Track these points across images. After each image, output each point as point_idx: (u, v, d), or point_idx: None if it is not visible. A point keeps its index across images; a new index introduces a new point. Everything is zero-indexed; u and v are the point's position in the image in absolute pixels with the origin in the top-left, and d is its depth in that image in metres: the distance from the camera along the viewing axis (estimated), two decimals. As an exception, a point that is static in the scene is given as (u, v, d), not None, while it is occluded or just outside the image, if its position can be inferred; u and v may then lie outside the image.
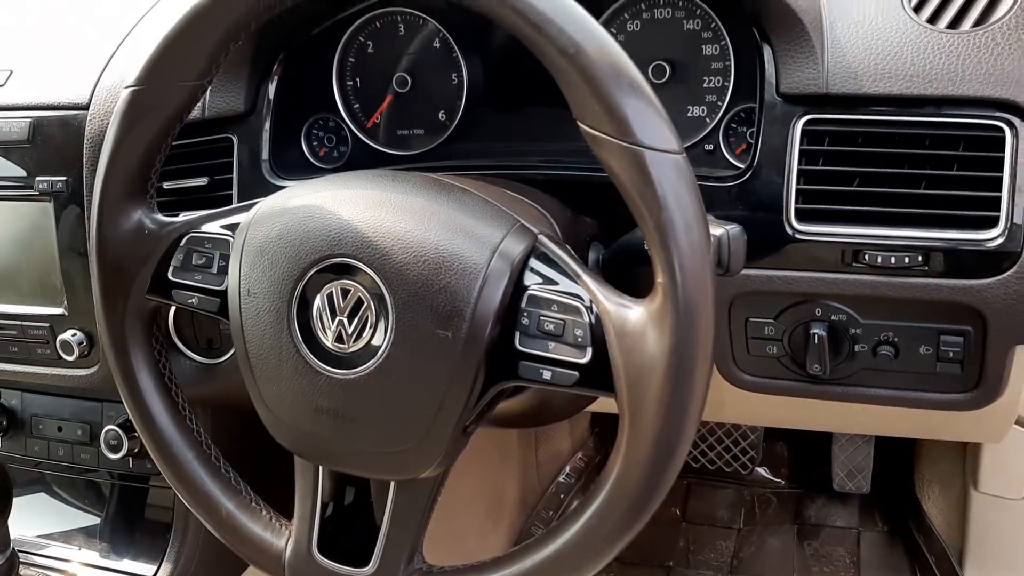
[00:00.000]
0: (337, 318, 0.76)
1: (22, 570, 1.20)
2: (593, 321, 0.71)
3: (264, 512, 0.88)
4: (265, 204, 0.82)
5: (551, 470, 2.07)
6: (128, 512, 1.31)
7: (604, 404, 1.08)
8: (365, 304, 0.75)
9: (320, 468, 0.84)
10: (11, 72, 1.21)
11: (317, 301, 0.77)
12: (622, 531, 0.72)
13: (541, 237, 0.76)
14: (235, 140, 1.10)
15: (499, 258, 0.73)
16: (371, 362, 0.75)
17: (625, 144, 0.66)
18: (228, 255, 0.83)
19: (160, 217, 0.87)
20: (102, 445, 1.21)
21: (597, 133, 0.67)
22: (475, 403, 0.75)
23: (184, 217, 0.87)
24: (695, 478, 2.06)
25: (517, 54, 1.12)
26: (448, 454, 0.78)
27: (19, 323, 1.20)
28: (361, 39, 1.16)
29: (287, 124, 1.16)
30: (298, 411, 0.79)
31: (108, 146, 0.84)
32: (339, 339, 0.76)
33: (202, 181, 1.11)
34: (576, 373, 0.72)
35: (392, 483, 0.81)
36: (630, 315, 0.69)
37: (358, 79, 1.17)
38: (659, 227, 0.66)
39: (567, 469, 2.09)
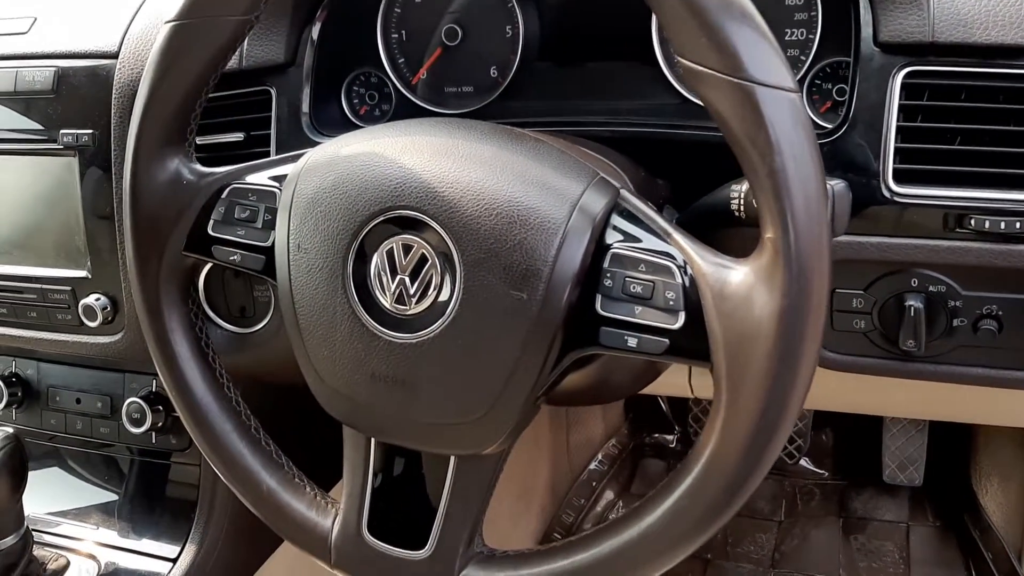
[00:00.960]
0: (398, 277, 0.70)
1: (36, 549, 1.15)
2: (687, 283, 0.65)
3: (308, 489, 0.83)
4: (317, 152, 0.77)
5: (583, 456, 2.01)
6: (149, 490, 1.26)
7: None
8: (429, 262, 0.69)
9: (372, 441, 0.78)
10: (35, 19, 1.15)
11: (376, 258, 0.71)
12: (714, 515, 0.66)
13: (624, 192, 0.70)
14: (274, 93, 1.04)
15: (579, 213, 0.67)
16: (435, 325, 0.69)
17: (735, 80, 0.59)
18: (275, 208, 0.77)
19: (199, 167, 0.82)
20: (123, 418, 1.16)
21: (701, 68, 0.61)
22: (550, 372, 0.69)
23: (226, 168, 0.82)
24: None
25: (577, 3, 1.06)
26: (516, 427, 0.72)
27: (38, 286, 1.14)
28: (408, -12, 1.10)
29: (328, 78, 1.09)
30: (352, 378, 0.73)
31: (145, 87, 0.78)
32: (400, 300, 0.71)
33: (237, 136, 1.05)
34: (666, 340, 0.66)
35: (452, 458, 0.75)
36: (731, 276, 0.63)
37: (404, 31, 1.11)
38: (772, 174, 0.60)
39: (599, 456, 2.04)
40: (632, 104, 1.04)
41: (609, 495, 2.02)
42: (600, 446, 2.05)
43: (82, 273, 1.13)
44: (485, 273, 0.67)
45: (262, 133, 1.05)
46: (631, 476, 2.06)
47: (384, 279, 0.71)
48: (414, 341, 0.70)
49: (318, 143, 0.97)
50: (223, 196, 0.80)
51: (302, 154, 0.78)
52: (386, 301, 0.71)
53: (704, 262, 0.65)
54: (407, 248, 0.70)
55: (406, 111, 1.12)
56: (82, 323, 1.13)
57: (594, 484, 2.01)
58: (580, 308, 0.68)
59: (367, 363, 0.72)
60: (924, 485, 1.82)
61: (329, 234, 0.72)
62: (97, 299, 1.12)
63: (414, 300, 0.70)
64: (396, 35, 1.11)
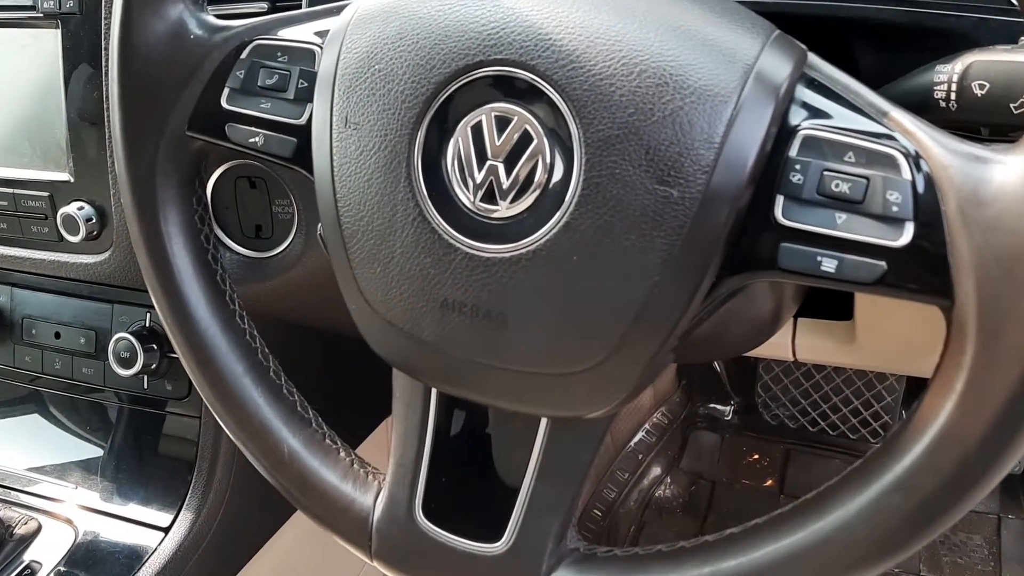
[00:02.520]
0: (488, 163, 0.51)
1: (2, 509, 0.97)
2: (919, 182, 0.45)
3: (343, 454, 0.64)
4: None
5: (628, 425, 1.82)
6: (139, 445, 1.09)
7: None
8: (535, 142, 0.50)
9: (434, 394, 0.59)
10: None
11: (457, 136, 0.52)
12: (940, 514, 0.47)
13: (812, 56, 0.50)
14: None
15: (756, 80, 0.48)
16: (539, 233, 0.51)
17: None
18: (313, 73, 0.59)
19: (210, 19, 0.62)
20: (110, 357, 1.00)
21: None
22: (700, 306, 0.50)
23: (247, 21, 0.62)
24: (796, 442, 1.80)
25: None
26: (639, 384, 0.53)
27: (8, 191, 0.97)
28: None
29: None
30: (415, 306, 0.55)
31: None
32: (489, 196, 0.52)
33: (261, 7, 0.85)
34: (883, 263, 0.46)
35: (544, 422, 0.56)
36: (991, 172, 0.44)
37: None
38: None
39: (647, 426, 1.85)
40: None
41: (656, 470, 1.84)
42: (648, 414, 1.85)
43: (62, 176, 0.96)
44: (617, 158, 0.48)
45: (290, 3, 0.85)
46: (681, 450, 1.87)
47: (467, 166, 0.52)
48: (507, 255, 0.51)
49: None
50: (243, 57, 0.61)
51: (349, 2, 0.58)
52: (469, 198, 0.52)
53: (946, 151, 0.45)
54: (503, 122, 0.51)
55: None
56: (61, 237, 0.96)
57: (640, 457, 1.82)
58: (753, 214, 0.49)
59: (437, 285, 0.53)
60: (1021, 474, 1.62)
61: (390, 102, 0.53)
62: (80, 208, 0.94)
63: (509, 197, 0.51)
64: None
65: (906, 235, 0.46)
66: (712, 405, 1.89)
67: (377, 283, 0.55)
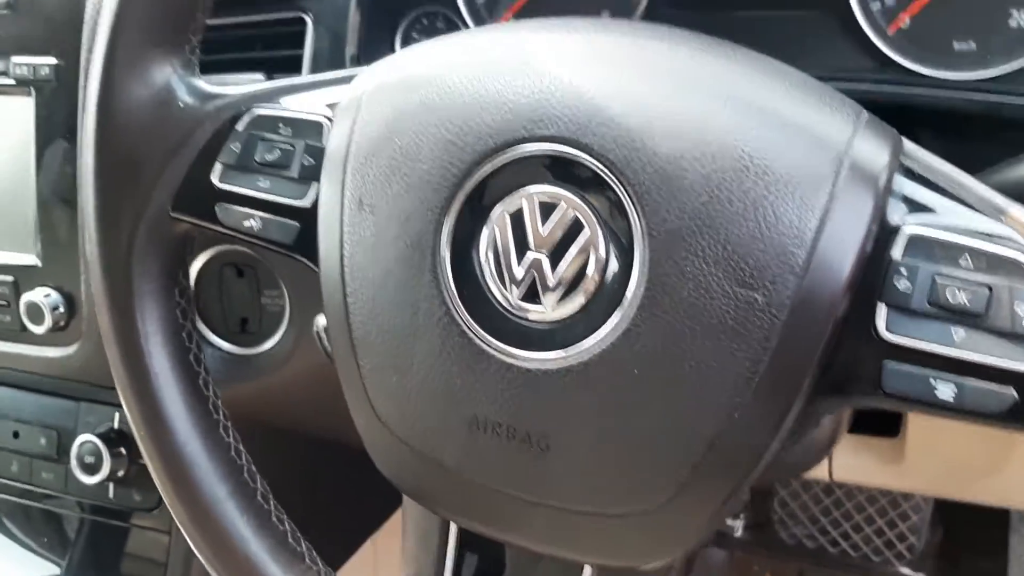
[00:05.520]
0: (530, 255, 0.45)
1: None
2: None
3: None
4: (389, 63, 0.52)
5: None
6: (100, 562, 1.02)
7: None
8: (587, 231, 0.44)
9: (453, 530, 0.51)
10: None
11: (493, 223, 0.46)
12: None
13: (907, 142, 0.45)
14: (310, 21, 0.82)
15: (852, 169, 0.42)
16: (592, 340, 0.44)
17: None
18: (320, 148, 0.52)
19: (203, 84, 0.56)
20: (73, 462, 0.93)
21: None
22: (788, 433, 0.43)
23: (244, 88, 0.55)
24: (812, 563, 1.71)
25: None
26: (710, 527, 0.46)
27: (-33, 274, 0.89)
28: None
29: (380, 14, 0.86)
30: (436, 423, 0.48)
31: None
32: (531, 294, 0.45)
33: (258, 81, 0.79)
34: (1012, 391, 0.40)
35: (587, 571, 0.48)
36: None
37: (488, -42, 0.88)
38: None
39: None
40: (802, 67, 0.78)
41: (663, 586, 1.73)
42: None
43: (29, 258, 0.90)
44: (688, 254, 0.42)
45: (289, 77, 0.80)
46: (689, 566, 1.77)
47: (505, 258, 0.46)
48: (552, 366, 0.45)
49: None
50: (239, 128, 0.54)
51: (364, 68, 0.52)
52: (506, 296, 0.46)
53: None
54: (548, 208, 0.45)
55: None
56: (24, 327, 0.90)
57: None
58: (851, 326, 0.42)
59: (465, 400, 0.47)
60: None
61: (413, 182, 0.47)
62: (47, 295, 0.88)
63: (556, 296, 0.45)
64: (478, -38, 0.87)
65: None
66: (723, 518, 1.80)
67: (392, 395, 0.48)
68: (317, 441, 0.90)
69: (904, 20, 0.74)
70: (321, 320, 0.56)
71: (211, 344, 0.88)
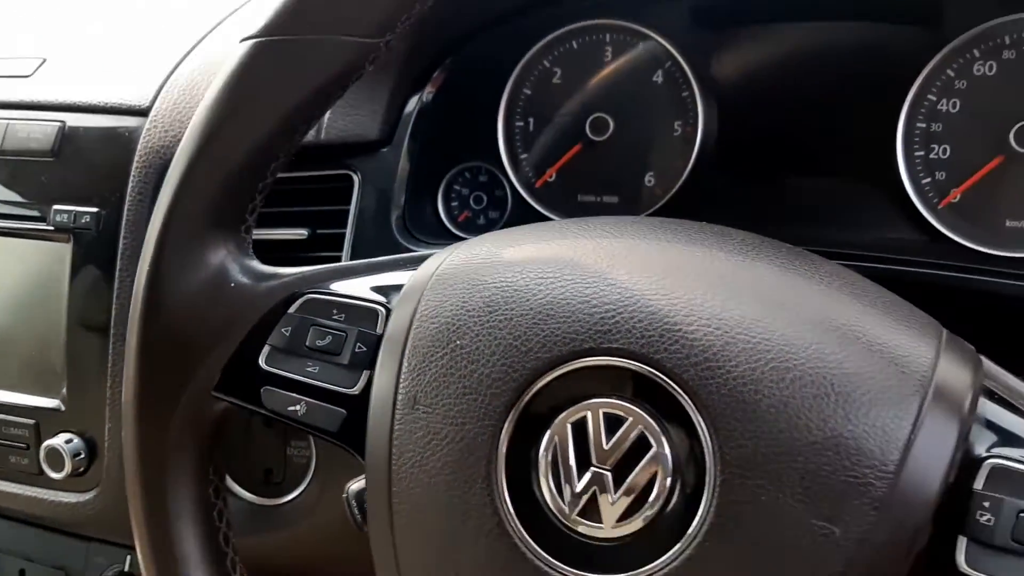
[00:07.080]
0: (592, 469, 0.44)
1: None
2: None
3: None
4: (454, 253, 0.50)
5: None
6: None
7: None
8: (654, 449, 0.43)
9: None
10: (44, 60, 0.92)
11: (553, 432, 0.44)
12: None
13: (987, 362, 0.43)
14: (357, 179, 0.82)
15: (937, 396, 0.41)
16: (655, 566, 0.42)
17: None
18: (374, 336, 0.51)
19: (257, 265, 0.55)
20: None
21: None
22: None
23: (297, 269, 0.55)
24: None
25: (781, 97, 0.81)
26: None
27: (-9, 415, 0.87)
28: (546, 64, 0.86)
29: (426, 169, 0.86)
30: None
31: (197, 131, 0.52)
32: (591, 510, 0.43)
33: (300, 234, 0.80)
34: None
35: None
36: None
37: (531, 118, 0.88)
38: None
39: None
40: (852, 237, 0.78)
41: None
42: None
43: (52, 403, 0.88)
44: (764, 482, 0.40)
45: (333, 232, 0.80)
46: None
47: (564, 470, 0.44)
48: None
49: (411, 251, 0.72)
50: (291, 311, 0.53)
51: (425, 256, 0.52)
52: (563, 510, 0.44)
53: None
54: (614, 421, 0.43)
55: (522, 222, 0.87)
56: (41, 471, 0.87)
57: None
58: (930, 560, 0.40)
59: None
60: None
61: (472, 385, 0.46)
62: (68, 441, 0.86)
63: (617, 514, 0.43)
64: (521, 122, 0.88)
65: None
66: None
67: (434, 604, 0.46)
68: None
69: (956, 195, 0.74)
70: (353, 487, 0.54)
71: (232, 494, 0.85)
